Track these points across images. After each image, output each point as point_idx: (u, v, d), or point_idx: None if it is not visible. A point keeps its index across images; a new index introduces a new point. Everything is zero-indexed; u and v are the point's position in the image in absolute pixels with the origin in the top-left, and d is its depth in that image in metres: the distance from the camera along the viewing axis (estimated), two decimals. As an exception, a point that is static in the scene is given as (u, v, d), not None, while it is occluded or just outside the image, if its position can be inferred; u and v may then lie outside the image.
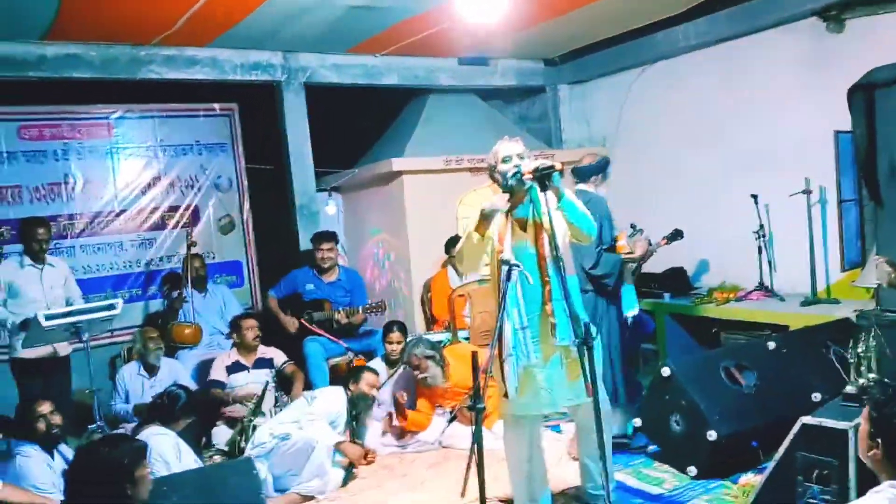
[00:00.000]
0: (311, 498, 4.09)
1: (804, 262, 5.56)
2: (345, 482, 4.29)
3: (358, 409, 4.52)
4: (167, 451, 3.73)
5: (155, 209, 6.80)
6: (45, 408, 3.79)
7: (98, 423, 4.58)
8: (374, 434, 4.89)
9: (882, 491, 2.03)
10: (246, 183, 7.22)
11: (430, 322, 6.57)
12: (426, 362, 4.74)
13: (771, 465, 3.23)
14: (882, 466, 2.10)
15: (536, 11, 5.88)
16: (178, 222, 6.87)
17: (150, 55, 6.02)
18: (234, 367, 5.27)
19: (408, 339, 5.28)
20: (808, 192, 5.56)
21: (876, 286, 4.41)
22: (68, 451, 3.90)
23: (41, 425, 3.73)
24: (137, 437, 3.29)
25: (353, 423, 4.52)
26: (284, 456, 4.04)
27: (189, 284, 6.08)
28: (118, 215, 6.65)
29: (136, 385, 5.22)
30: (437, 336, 6.01)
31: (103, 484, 2.23)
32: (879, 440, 2.08)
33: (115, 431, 4.64)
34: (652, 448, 4.36)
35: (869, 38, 5.30)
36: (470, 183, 6.90)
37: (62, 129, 6.46)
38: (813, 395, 4.07)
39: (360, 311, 5.91)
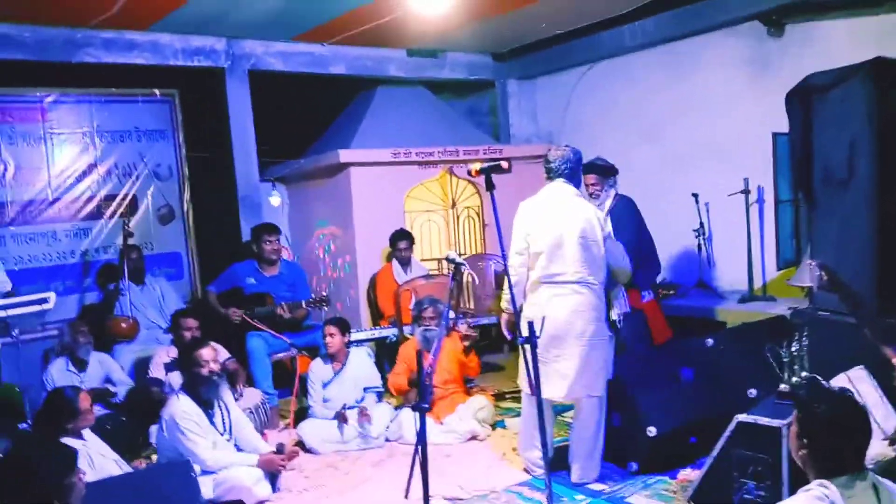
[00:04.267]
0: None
1: (742, 260, 5.72)
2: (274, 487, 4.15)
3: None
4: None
5: (91, 198, 6.57)
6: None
7: (27, 421, 4.41)
8: (313, 433, 4.82)
9: (811, 489, 2.09)
10: (187, 171, 7.02)
11: (376, 317, 6.53)
12: (438, 319, 4.77)
13: (708, 460, 3.31)
14: (809, 465, 2.15)
15: (485, 5, 5.87)
16: (114, 211, 6.64)
17: (88, 38, 5.81)
18: (174, 365, 5.12)
19: (417, 300, 5.35)
20: (746, 191, 5.72)
21: (809, 286, 4.56)
22: (-3, 448, 3.74)
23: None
24: None
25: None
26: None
27: (126, 276, 5.89)
28: (52, 203, 6.40)
29: (64, 381, 4.99)
30: (384, 332, 5.98)
31: (29, 493, 2.14)
32: (805, 440, 2.14)
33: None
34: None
35: (807, 43, 5.47)
36: (418, 176, 6.87)
37: (-8, 112, 6.19)
38: (749, 392, 4.18)
39: (303, 306, 5.82)
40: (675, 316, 5.78)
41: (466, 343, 5.04)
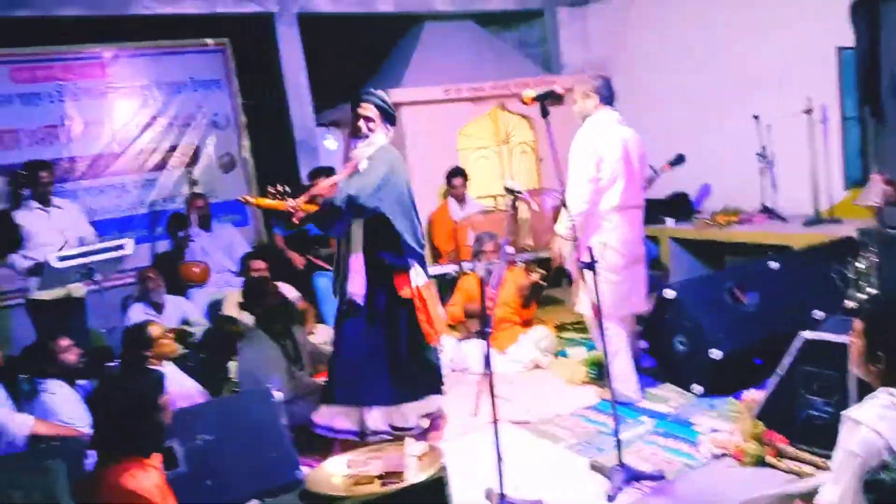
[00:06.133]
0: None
1: (806, 182, 5.57)
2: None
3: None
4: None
5: (154, 149, 6.76)
6: (65, 343, 3.87)
7: (116, 360, 4.67)
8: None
9: (878, 397, 2.10)
10: (244, 120, 7.15)
11: (434, 256, 6.62)
12: (498, 253, 4.84)
13: (773, 379, 3.32)
14: (878, 376, 2.16)
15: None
16: (178, 162, 6.84)
17: (140, -11, 5.91)
18: (245, 305, 5.33)
19: (477, 235, 5.41)
20: (809, 111, 5.53)
21: (876, 204, 4.44)
22: (89, 385, 4.00)
23: (62, 360, 3.81)
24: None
25: None
26: None
27: (194, 224, 6.11)
28: (118, 157, 6.62)
29: (144, 323, 5.29)
30: (444, 269, 6.07)
31: (130, 412, 2.31)
32: (879, 351, 2.14)
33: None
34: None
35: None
36: (470, 112, 6.85)
37: (55, 70, 6.36)
38: (814, 313, 4.15)
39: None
40: (739, 242, 5.75)
41: (526, 292, 5.07)
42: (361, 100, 3.73)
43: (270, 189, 3.87)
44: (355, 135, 3.76)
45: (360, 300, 3.62)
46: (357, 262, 3.64)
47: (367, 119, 3.69)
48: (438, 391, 3.85)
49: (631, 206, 4.02)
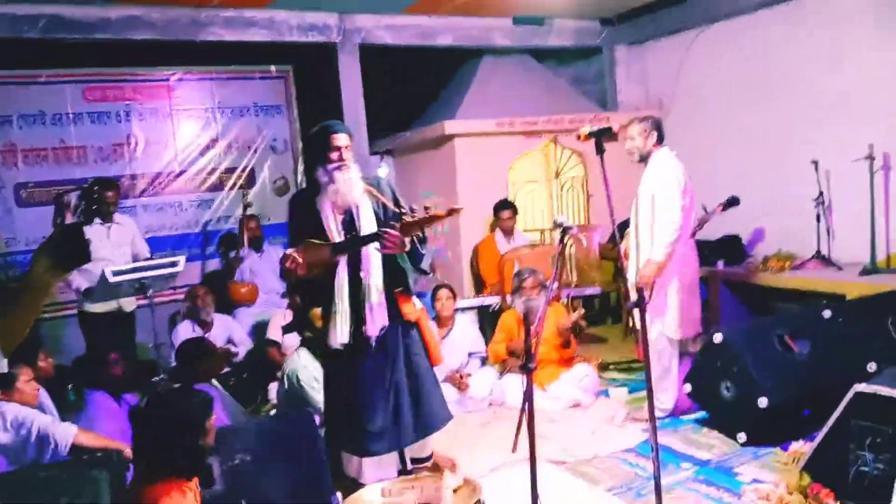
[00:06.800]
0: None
1: (864, 230, 5.41)
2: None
3: None
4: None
5: (213, 170, 6.98)
6: (113, 356, 3.97)
7: (162, 375, 4.78)
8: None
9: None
10: (300, 145, 7.33)
11: (479, 286, 6.62)
12: (538, 289, 4.90)
13: (823, 431, 3.21)
14: None
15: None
16: (234, 184, 7.04)
17: (210, 17, 6.11)
18: (289, 327, 5.40)
19: (517, 270, 5.34)
20: (871, 157, 5.39)
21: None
22: (133, 400, 4.09)
23: (110, 372, 3.90)
24: None
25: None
26: None
27: (245, 244, 6.25)
28: (178, 176, 6.84)
29: (191, 341, 5.40)
30: (487, 300, 6.07)
31: (176, 434, 2.33)
32: None
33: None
34: (701, 414, 4.37)
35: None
36: (522, 146, 6.88)
37: (124, 90, 6.66)
38: (868, 366, 4.01)
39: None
40: (790, 288, 5.60)
41: (566, 333, 5.02)
42: None
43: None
44: None
45: (376, 338, 3.40)
46: (380, 298, 3.39)
47: None
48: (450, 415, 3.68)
49: (692, 235, 4.49)
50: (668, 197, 4.16)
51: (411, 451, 3.60)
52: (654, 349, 4.19)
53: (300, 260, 3.12)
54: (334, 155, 3.34)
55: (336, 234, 3.34)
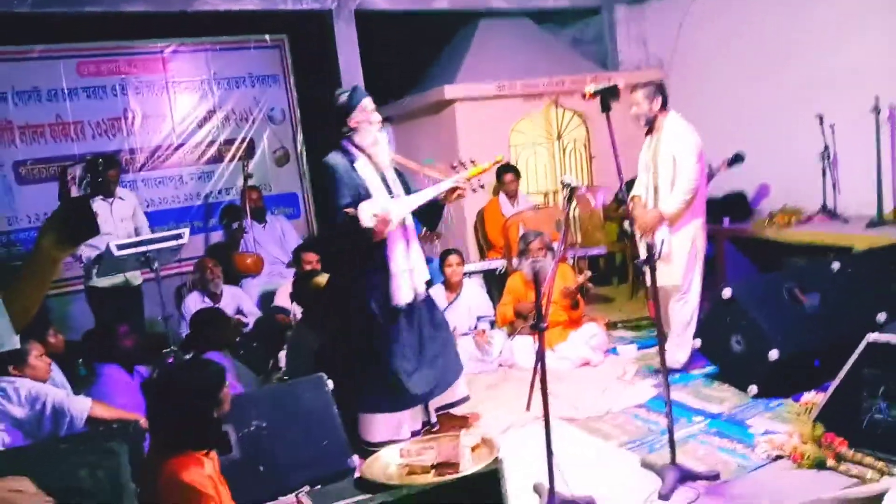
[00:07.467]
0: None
1: (870, 183, 5.39)
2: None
3: None
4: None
5: (212, 142, 6.92)
6: (123, 329, 3.97)
7: (172, 347, 4.78)
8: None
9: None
10: (299, 115, 7.26)
11: (485, 249, 6.62)
12: (544, 251, 4.93)
13: (835, 381, 3.22)
14: None
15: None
16: (234, 155, 6.98)
17: (202, -13, 6.02)
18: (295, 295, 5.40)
19: (523, 233, 5.39)
20: (876, 110, 5.35)
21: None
22: (146, 372, 4.10)
23: (121, 346, 3.90)
24: None
25: None
26: None
27: (248, 216, 6.22)
28: (177, 149, 6.79)
29: (201, 312, 5.40)
30: (493, 264, 6.06)
31: (191, 406, 2.33)
32: None
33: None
34: (711, 369, 4.39)
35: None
36: (523, 108, 6.81)
37: (119, 64, 6.57)
38: (878, 316, 4.02)
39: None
40: (797, 243, 5.60)
41: (572, 295, 5.01)
42: None
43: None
44: None
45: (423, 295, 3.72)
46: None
47: None
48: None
49: None
50: (688, 160, 4.24)
51: (438, 401, 3.83)
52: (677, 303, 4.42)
53: (389, 218, 3.34)
54: (374, 117, 3.59)
55: (383, 195, 3.55)
